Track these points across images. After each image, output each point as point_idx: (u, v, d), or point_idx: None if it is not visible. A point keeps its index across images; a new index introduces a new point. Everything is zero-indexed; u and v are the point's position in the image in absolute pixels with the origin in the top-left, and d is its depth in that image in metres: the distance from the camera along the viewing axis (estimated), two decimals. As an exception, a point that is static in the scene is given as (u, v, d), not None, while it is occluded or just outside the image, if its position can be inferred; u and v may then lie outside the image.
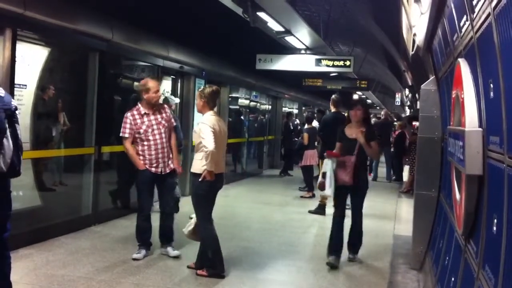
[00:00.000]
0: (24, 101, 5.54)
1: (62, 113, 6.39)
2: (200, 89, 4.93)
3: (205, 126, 4.52)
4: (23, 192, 5.78)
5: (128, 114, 5.09)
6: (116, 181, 7.28)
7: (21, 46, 5.27)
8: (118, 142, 7.06)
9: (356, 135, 5.15)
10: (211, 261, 4.66)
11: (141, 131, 5.04)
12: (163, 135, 5.12)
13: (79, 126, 6.57)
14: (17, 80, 5.19)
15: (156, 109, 5.15)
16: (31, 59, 5.71)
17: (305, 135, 10.01)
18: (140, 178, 5.14)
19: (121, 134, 5.09)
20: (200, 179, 4.53)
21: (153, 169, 5.09)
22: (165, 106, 5.39)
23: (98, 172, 6.61)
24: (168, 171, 5.16)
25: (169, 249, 5.27)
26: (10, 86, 5.01)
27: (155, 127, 5.08)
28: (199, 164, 4.57)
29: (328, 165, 5.21)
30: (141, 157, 5.08)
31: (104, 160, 6.85)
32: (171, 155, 5.21)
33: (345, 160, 5.18)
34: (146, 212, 5.23)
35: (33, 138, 5.81)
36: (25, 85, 5.57)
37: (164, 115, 5.18)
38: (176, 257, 5.17)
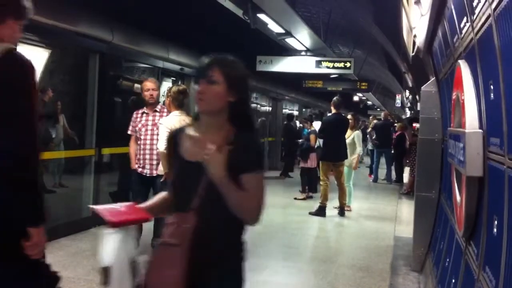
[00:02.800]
0: (24, 103, 5.55)
1: (62, 115, 6.40)
2: (169, 87, 5.00)
3: (161, 127, 4.60)
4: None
5: (134, 112, 5.29)
6: (116, 182, 7.28)
7: (21, 48, 5.26)
8: (119, 144, 7.08)
9: (201, 153, 1.89)
10: None
11: (137, 129, 5.17)
12: (155, 136, 5.11)
13: (80, 128, 6.58)
14: (17, 82, 5.19)
15: (156, 111, 5.19)
16: (31, 60, 5.71)
17: (313, 137, 9.74)
18: (132, 177, 5.25)
19: (128, 132, 5.29)
20: (161, 180, 4.57)
21: (139, 169, 5.13)
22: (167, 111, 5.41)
23: (99, 173, 6.61)
24: (155, 174, 5.11)
25: None
26: (11, 88, 5.01)
27: (149, 127, 5.14)
28: (161, 166, 4.64)
29: (111, 246, 1.87)
30: (137, 156, 5.18)
31: (104, 162, 6.86)
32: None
33: (170, 228, 1.91)
34: None
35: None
36: (26, 87, 5.57)
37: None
38: None
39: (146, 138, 5.13)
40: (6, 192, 1.96)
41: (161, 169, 4.64)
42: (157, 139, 5.11)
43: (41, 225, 2.02)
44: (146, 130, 5.14)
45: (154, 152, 5.12)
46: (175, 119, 4.62)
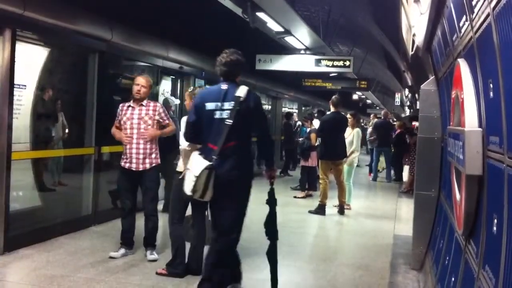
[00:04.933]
0: (23, 101, 5.55)
1: (61, 113, 6.40)
2: (190, 89, 4.93)
3: (183, 122, 4.54)
4: (23, 192, 5.78)
5: (120, 105, 5.23)
6: (116, 181, 7.27)
7: (20, 47, 5.27)
8: (118, 142, 7.08)
9: None
10: (173, 259, 4.66)
11: (122, 121, 5.08)
12: (141, 131, 4.99)
13: (79, 126, 6.58)
14: (16, 81, 5.18)
15: (142, 104, 5.06)
16: (31, 59, 5.71)
17: (313, 135, 9.59)
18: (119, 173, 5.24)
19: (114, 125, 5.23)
20: (180, 177, 4.56)
21: (127, 165, 5.01)
22: (157, 105, 5.22)
23: (98, 172, 6.61)
24: (141, 168, 4.99)
25: (148, 252, 5.12)
26: (10, 87, 5.01)
27: (134, 121, 5.01)
28: (181, 163, 4.59)
29: None
30: (123, 151, 5.12)
31: (104, 160, 6.86)
32: (151, 154, 5.04)
33: None
34: (125, 210, 5.18)
35: (32, 138, 5.81)
36: (25, 86, 5.57)
37: (150, 113, 5.06)
38: (153, 261, 5.00)
39: (133, 132, 4.99)
40: (269, 150, 4.16)
41: (180, 166, 4.60)
42: (143, 133, 5.01)
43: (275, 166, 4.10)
44: (132, 123, 5.00)
45: (141, 146, 4.98)
46: None
